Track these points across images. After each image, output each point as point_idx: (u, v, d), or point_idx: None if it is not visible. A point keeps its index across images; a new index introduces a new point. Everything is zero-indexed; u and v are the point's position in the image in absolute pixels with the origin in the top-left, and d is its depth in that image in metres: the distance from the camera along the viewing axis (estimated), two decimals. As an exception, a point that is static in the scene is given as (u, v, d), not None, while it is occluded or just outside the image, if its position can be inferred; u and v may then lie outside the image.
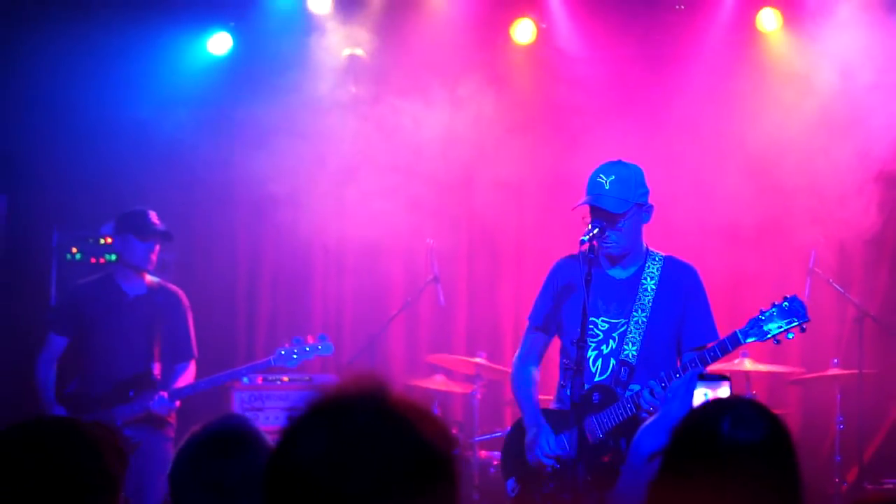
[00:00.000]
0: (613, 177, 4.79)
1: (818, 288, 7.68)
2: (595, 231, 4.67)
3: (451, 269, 8.47)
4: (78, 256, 7.87)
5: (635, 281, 4.90)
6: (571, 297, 4.93)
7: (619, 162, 4.91)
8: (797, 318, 4.69)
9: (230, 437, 2.65)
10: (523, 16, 8.32)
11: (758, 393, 7.28)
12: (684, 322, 4.89)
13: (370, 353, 8.15)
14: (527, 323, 5.20)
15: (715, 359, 4.62)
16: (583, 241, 4.64)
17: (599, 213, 4.77)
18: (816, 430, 7.93)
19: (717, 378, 2.80)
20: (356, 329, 8.63)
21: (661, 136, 8.46)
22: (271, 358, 6.51)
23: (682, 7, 8.17)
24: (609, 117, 8.40)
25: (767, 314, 4.69)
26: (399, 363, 8.64)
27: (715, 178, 8.38)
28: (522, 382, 5.07)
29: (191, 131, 8.27)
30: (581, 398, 4.69)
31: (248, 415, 7.63)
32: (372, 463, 1.67)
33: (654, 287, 4.86)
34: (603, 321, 4.88)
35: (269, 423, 7.50)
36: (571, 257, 5.04)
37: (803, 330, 4.70)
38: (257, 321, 8.76)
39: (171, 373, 6.68)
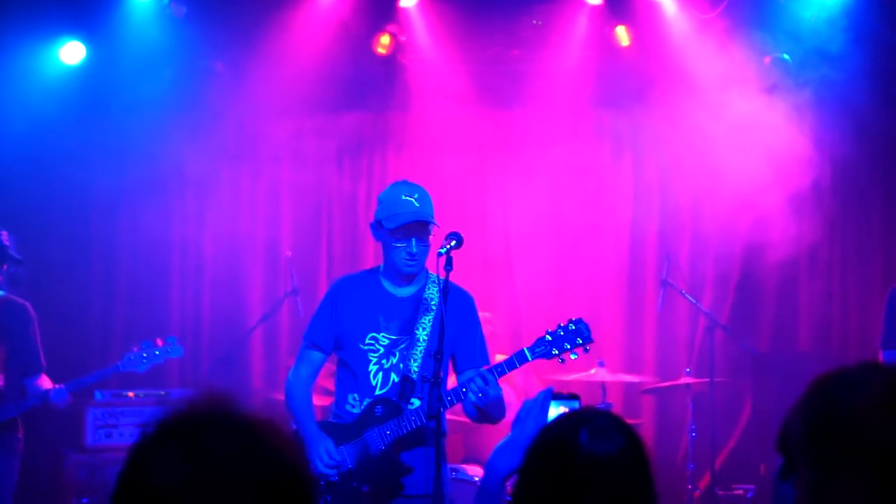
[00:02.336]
0: (417, 194, 4.87)
1: (671, 298, 7.90)
2: (452, 243, 4.69)
3: (310, 281, 8.44)
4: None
5: (417, 299, 4.99)
6: (353, 312, 4.98)
7: (411, 182, 5.01)
8: (581, 339, 4.82)
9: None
10: (384, 30, 8.32)
11: (613, 402, 7.39)
12: (459, 344, 4.99)
13: (228, 366, 8.07)
14: (303, 342, 5.16)
15: (502, 374, 4.73)
16: (440, 254, 4.66)
17: (415, 229, 4.82)
18: (670, 438, 8.14)
19: (570, 397, 2.82)
20: (214, 342, 8.53)
21: (517, 149, 8.61)
22: (119, 363, 6.31)
23: (539, 23, 8.29)
24: (463, 130, 8.52)
25: (553, 334, 4.82)
26: (258, 376, 8.56)
27: (566, 188, 8.58)
28: (300, 397, 5.06)
29: (44, 140, 8.07)
30: (364, 411, 4.87)
31: (101, 432, 7.47)
32: (227, 483, 1.63)
33: (434, 307, 4.95)
34: (384, 336, 4.94)
35: (123, 441, 7.35)
36: (351, 275, 5.23)
37: (587, 350, 4.83)
38: (112, 335, 8.56)
39: (21, 387, 6.46)
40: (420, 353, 4.91)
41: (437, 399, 4.48)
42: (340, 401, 5.02)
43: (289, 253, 8.15)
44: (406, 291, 5.01)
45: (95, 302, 8.57)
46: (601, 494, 2.35)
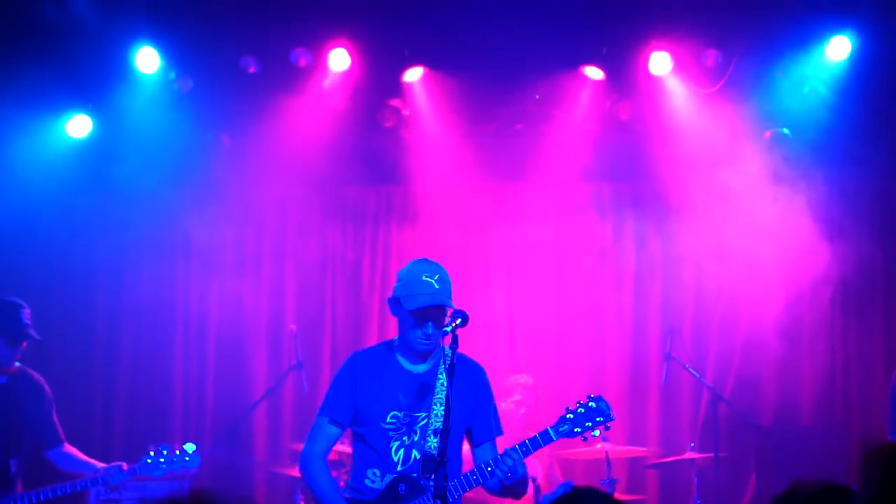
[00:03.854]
0: (438, 275, 4.90)
1: (675, 372, 7.89)
2: (458, 321, 4.71)
3: (314, 355, 8.44)
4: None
5: (432, 375, 5.00)
6: (372, 390, 4.97)
7: (433, 261, 5.04)
8: (602, 416, 4.88)
9: None
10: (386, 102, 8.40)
11: (618, 478, 7.35)
12: (475, 417, 5.02)
13: (232, 439, 8.04)
14: (317, 417, 5.09)
15: (527, 453, 4.78)
16: (446, 332, 4.67)
17: (433, 312, 4.85)
18: (675, 513, 8.09)
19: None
20: (218, 414, 8.51)
21: (520, 222, 8.65)
22: (136, 466, 6.28)
23: (541, 97, 8.37)
24: (466, 203, 8.58)
25: (574, 412, 4.88)
26: (262, 450, 8.54)
27: (569, 261, 8.63)
28: (324, 474, 5.02)
29: (49, 212, 8.12)
30: (387, 487, 4.86)
31: (104, 508, 7.42)
32: None
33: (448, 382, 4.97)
34: (405, 415, 4.95)
35: (126, 514, 7.30)
36: (367, 350, 5.20)
37: (607, 428, 4.88)
38: (115, 408, 8.55)
39: (40, 462, 6.46)
40: (438, 430, 4.87)
41: (444, 478, 4.47)
42: (359, 475, 5.00)
43: (293, 327, 8.16)
44: (422, 368, 5.03)
45: (98, 373, 8.57)
46: None
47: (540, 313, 8.59)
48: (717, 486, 7.31)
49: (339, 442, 5.29)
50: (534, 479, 6.94)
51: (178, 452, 6.28)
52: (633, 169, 8.57)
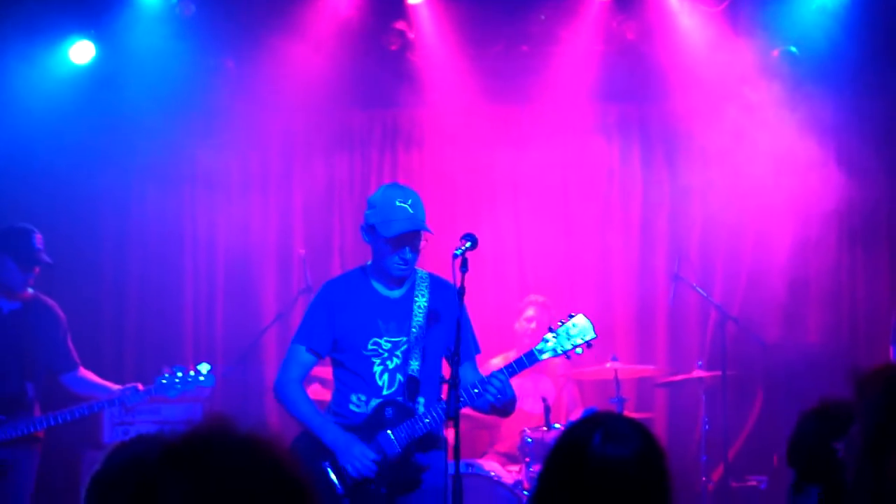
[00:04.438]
0: (411, 200, 4.94)
1: (683, 292, 7.93)
2: (468, 244, 4.74)
3: (322, 280, 8.46)
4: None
5: (409, 299, 5.06)
6: (350, 317, 5.02)
7: (404, 186, 5.09)
8: (584, 335, 4.96)
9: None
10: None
11: (627, 396, 7.41)
12: (453, 337, 4.98)
13: (243, 365, 8.11)
14: (292, 344, 5.17)
15: (513, 374, 4.88)
16: (455, 256, 4.71)
17: (409, 237, 4.89)
18: (683, 431, 8.17)
19: None
20: (228, 340, 8.56)
21: (526, 144, 8.64)
22: (152, 387, 6.33)
23: (546, 18, 8.30)
24: (472, 126, 8.56)
25: (557, 333, 4.95)
26: (272, 375, 8.58)
27: (575, 183, 8.64)
28: (305, 400, 5.07)
29: (54, 139, 8.09)
30: (374, 411, 4.93)
31: (118, 430, 7.52)
32: (229, 499, 1.68)
33: (425, 304, 5.05)
34: (385, 340, 5.00)
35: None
36: (340, 278, 5.26)
37: (590, 346, 4.96)
38: (125, 336, 8.59)
39: (55, 386, 6.54)
40: (419, 352, 4.99)
41: (457, 400, 4.53)
42: (342, 400, 5.06)
43: (302, 251, 8.19)
44: (398, 293, 5.08)
45: (107, 300, 8.58)
46: (613, 496, 2.39)
47: (547, 234, 8.62)
48: (725, 405, 7.36)
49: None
50: (544, 400, 7.02)
51: (192, 373, 6.35)
52: (639, 90, 8.53)
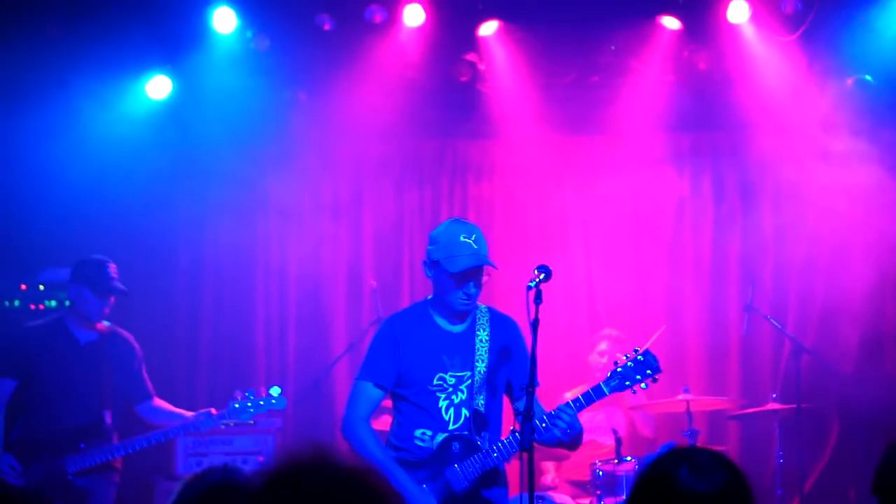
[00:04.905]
0: (475, 235, 4.97)
1: (756, 324, 7.86)
2: (542, 276, 4.75)
3: (393, 310, 8.49)
4: (17, 303, 7.69)
5: (471, 334, 5.07)
6: (415, 352, 5.03)
7: (467, 221, 5.14)
8: (650, 370, 4.96)
9: (225, 487, 2.67)
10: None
11: (699, 429, 7.35)
12: (514, 371, 5.09)
13: (314, 396, 8.16)
14: (357, 381, 5.17)
15: (581, 408, 4.88)
16: (530, 287, 4.71)
17: (473, 273, 4.92)
18: (756, 464, 8.07)
19: None
20: (299, 371, 8.62)
21: (597, 174, 8.64)
22: (225, 412, 6.41)
23: (615, 49, 8.31)
24: (543, 157, 8.58)
25: (623, 367, 4.96)
26: (343, 405, 8.62)
27: (646, 213, 8.61)
28: (374, 440, 5.04)
29: (130, 172, 8.22)
30: (440, 446, 4.94)
31: (191, 461, 7.59)
32: None
33: (487, 338, 5.06)
34: (450, 375, 5.01)
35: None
36: (402, 313, 5.29)
37: (655, 381, 4.97)
38: (198, 364, 8.68)
39: (131, 416, 6.65)
40: (483, 386, 5.01)
41: (531, 432, 4.53)
42: (405, 435, 5.06)
43: (374, 283, 8.25)
44: (460, 328, 5.10)
45: (181, 331, 8.68)
46: None
47: (618, 266, 8.60)
48: (800, 437, 7.27)
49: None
50: (615, 432, 6.99)
51: (264, 396, 6.40)
52: (710, 119, 8.51)
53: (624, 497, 6.73)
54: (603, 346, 7.92)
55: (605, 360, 7.78)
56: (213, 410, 6.42)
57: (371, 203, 8.88)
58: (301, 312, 8.75)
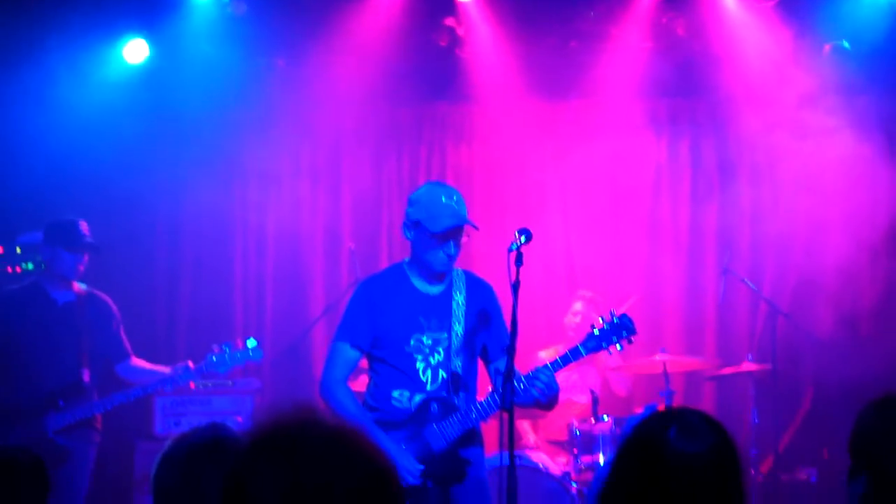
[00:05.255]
0: (455, 197, 5.02)
1: (733, 287, 7.94)
2: (522, 239, 4.79)
3: (372, 273, 8.53)
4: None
5: (447, 296, 5.11)
6: (392, 314, 5.07)
7: (445, 184, 5.25)
8: (626, 332, 5.03)
9: (214, 441, 2.70)
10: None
11: (675, 389, 7.43)
12: (490, 334, 5.14)
13: (293, 358, 8.20)
14: (335, 342, 5.20)
15: (558, 369, 4.91)
16: (511, 250, 4.75)
17: (454, 233, 4.96)
18: (731, 424, 8.08)
19: None
20: (277, 332, 8.63)
21: (575, 139, 8.67)
22: (203, 364, 6.46)
23: (594, 14, 8.32)
24: (522, 121, 8.60)
25: (600, 329, 5.02)
26: (321, 367, 8.65)
27: (625, 177, 8.66)
28: (352, 401, 5.09)
29: (108, 136, 8.20)
30: (419, 407, 4.98)
31: (170, 421, 7.63)
32: (323, 494, 1.71)
33: (463, 301, 5.10)
34: (427, 336, 5.05)
35: (191, 429, 7.46)
36: (379, 275, 5.32)
37: (631, 342, 5.03)
38: (176, 327, 8.69)
39: (110, 375, 6.68)
40: (459, 348, 5.06)
41: (512, 392, 4.59)
42: (382, 396, 5.10)
43: (352, 245, 8.28)
44: (437, 289, 5.13)
45: (160, 292, 8.68)
46: (688, 491, 2.41)
47: (596, 229, 8.64)
48: (774, 398, 7.36)
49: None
50: (592, 392, 7.07)
51: (241, 348, 6.45)
52: (689, 85, 8.53)
53: (601, 455, 6.82)
54: (577, 306, 7.99)
55: (578, 319, 7.87)
56: (191, 363, 6.47)
57: (349, 167, 8.89)
58: (279, 275, 8.77)
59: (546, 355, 7.62)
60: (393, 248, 8.79)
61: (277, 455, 1.73)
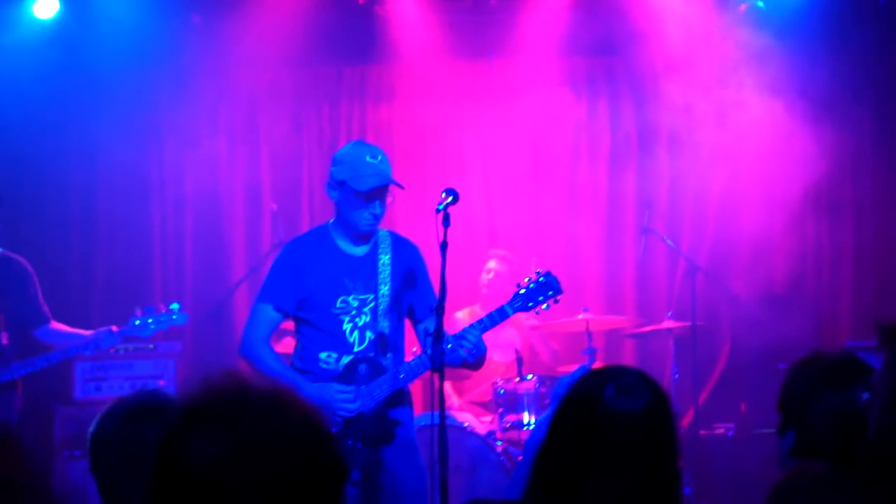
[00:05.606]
0: (380, 156, 5.00)
1: (653, 245, 8.03)
2: (449, 199, 4.79)
3: (293, 234, 8.47)
4: None
5: (373, 257, 5.10)
6: (317, 276, 5.04)
7: (369, 143, 5.19)
8: (552, 290, 5.05)
9: (153, 404, 2.67)
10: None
11: (598, 347, 7.50)
12: (415, 295, 5.14)
13: (215, 321, 8.13)
14: (257, 303, 5.16)
15: (485, 329, 4.92)
16: (438, 210, 4.75)
17: (379, 192, 4.94)
18: (652, 380, 8.26)
19: None
20: (198, 295, 8.54)
21: (495, 98, 8.68)
22: (126, 328, 6.35)
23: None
24: (441, 81, 8.58)
25: (526, 288, 5.04)
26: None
27: (544, 137, 8.69)
28: (274, 357, 5.07)
29: (19, 93, 8.01)
30: (346, 368, 4.96)
31: (90, 385, 7.51)
32: (263, 458, 1.69)
33: (389, 261, 5.09)
34: (353, 298, 5.03)
35: (112, 393, 7.37)
36: (303, 237, 5.27)
37: (557, 301, 5.05)
38: (93, 289, 8.55)
39: (28, 340, 6.55)
40: (386, 309, 5.03)
41: (442, 353, 4.59)
42: (310, 358, 5.06)
43: (274, 206, 8.20)
44: (363, 250, 5.10)
45: (74, 254, 8.51)
46: (625, 449, 2.43)
47: (516, 188, 8.68)
48: (694, 354, 7.47)
49: None
50: (517, 351, 7.11)
51: (164, 311, 6.36)
52: (607, 44, 8.56)
53: (525, 414, 6.87)
54: (491, 264, 8.01)
55: (491, 276, 7.90)
56: (114, 328, 6.37)
57: (268, 127, 8.79)
58: (199, 236, 8.66)
59: (462, 315, 7.66)
60: (314, 209, 8.73)
61: (212, 421, 1.72)
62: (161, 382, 7.49)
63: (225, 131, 8.75)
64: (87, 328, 7.81)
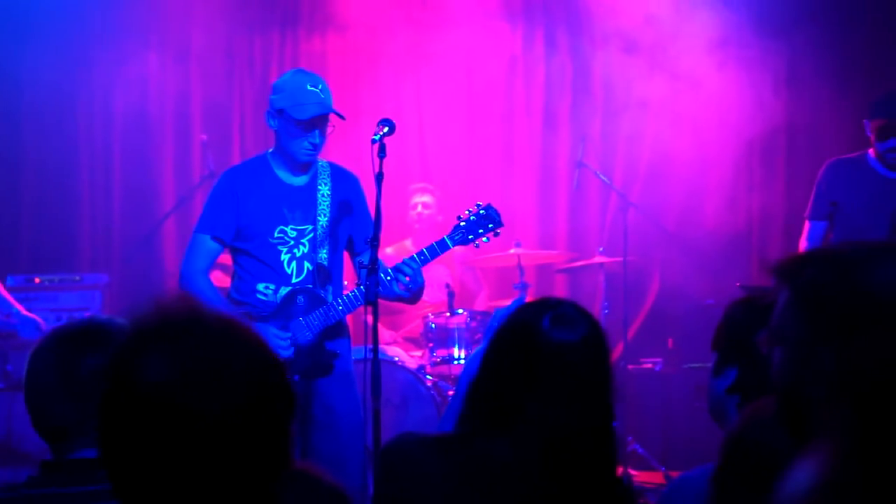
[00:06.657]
0: (321, 85, 4.94)
1: (586, 180, 8.03)
2: (385, 129, 4.75)
3: (224, 164, 8.36)
4: None
5: (312, 187, 5.06)
6: (255, 205, 4.99)
7: (310, 72, 5.09)
8: (493, 223, 5.04)
9: (91, 331, 2.61)
10: None
11: (530, 282, 7.52)
12: (355, 226, 5.11)
13: (145, 251, 8.03)
14: (195, 234, 5.08)
15: (425, 262, 4.91)
16: (374, 141, 4.71)
17: (319, 121, 4.89)
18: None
19: None
20: (126, 224, 8.43)
21: (429, 28, 8.59)
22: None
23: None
24: (374, 10, 8.49)
25: (466, 221, 5.02)
26: (173, 262, 8.50)
27: (478, 69, 8.64)
28: (211, 289, 5.04)
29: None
30: (284, 300, 4.94)
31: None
32: (212, 380, 1.67)
33: (328, 192, 5.06)
34: (291, 228, 5.00)
35: (38, 325, 7.26)
36: (241, 166, 5.20)
37: (497, 234, 5.05)
38: (19, 220, 8.40)
39: None
40: (325, 240, 5.00)
41: (377, 285, 4.56)
42: (246, 289, 5.02)
43: (204, 137, 8.06)
44: (302, 180, 5.06)
45: (2, 181, 8.37)
46: (561, 381, 2.43)
47: (450, 121, 8.63)
48: (624, 289, 7.52)
49: None
50: (448, 286, 7.11)
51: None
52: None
53: (455, 348, 6.89)
54: (420, 198, 7.99)
55: (422, 210, 7.89)
56: (42, 323, 6.25)
57: (198, 55, 8.62)
58: (127, 165, 8.51)
59: (391, 251, 7.63)
60: (245, 139, 8.63)
61: (164, 343, 1.70)
62: (87, 314, 7.39)
63: (154, 56, 8.55)
64: (15, 258, 7.71)
